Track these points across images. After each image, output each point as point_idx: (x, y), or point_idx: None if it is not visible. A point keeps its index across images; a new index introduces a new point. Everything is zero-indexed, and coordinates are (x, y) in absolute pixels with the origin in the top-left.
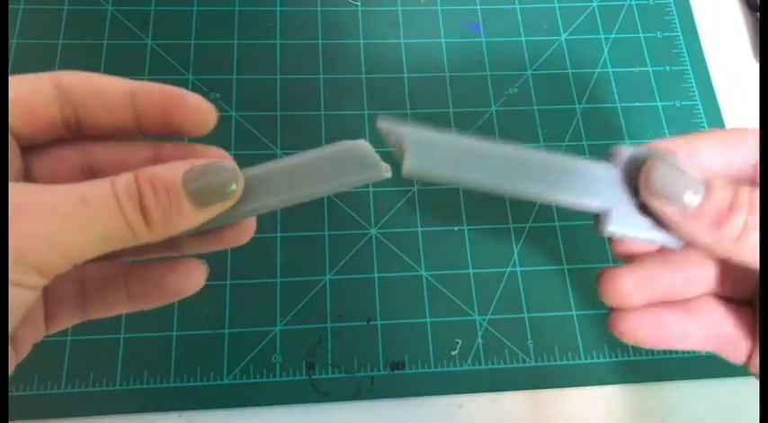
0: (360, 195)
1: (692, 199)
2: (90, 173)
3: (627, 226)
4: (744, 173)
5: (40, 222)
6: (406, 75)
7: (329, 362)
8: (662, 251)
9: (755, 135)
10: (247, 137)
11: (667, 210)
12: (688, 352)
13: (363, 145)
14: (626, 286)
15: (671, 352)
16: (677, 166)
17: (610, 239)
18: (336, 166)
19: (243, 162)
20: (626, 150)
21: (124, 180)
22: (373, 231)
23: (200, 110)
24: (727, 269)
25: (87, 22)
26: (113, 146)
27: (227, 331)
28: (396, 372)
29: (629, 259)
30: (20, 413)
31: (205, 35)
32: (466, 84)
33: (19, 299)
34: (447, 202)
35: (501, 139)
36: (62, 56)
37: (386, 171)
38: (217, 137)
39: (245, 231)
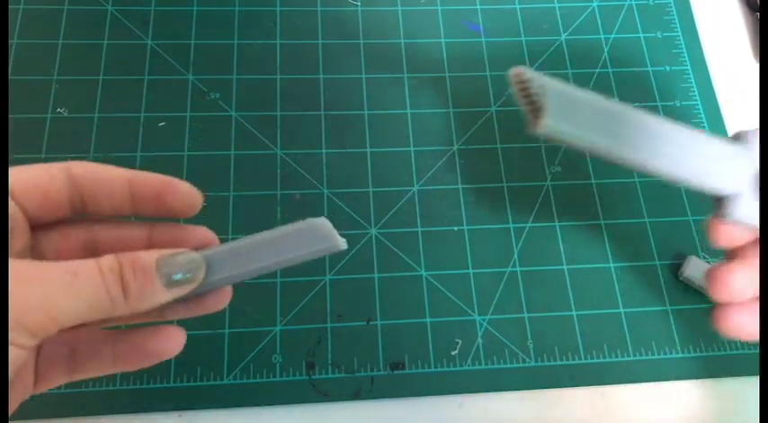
0: (360, 195)
1: None
2: (92, 248)
3: (752, 212)
4: None
5: (36, 290)
6: (406, 75)
7: (329, 362)
8: (755, 243)
9: None
10: (247, 137)
11: None
12: (688, 352)
13: (324, 221)
14: (738, 283)
15: (671, 352)
16: None
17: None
18: (300, 239)
19: (243, 162)
20: (753, 132)
21: (108, 261)
22: (373, 231)
23: (189, 196)
24: None
25: (87, 22)
26: (113, 225)
27: (227, 331)
28: (396, 372)
29: (727, 251)
30: (19, 413)
31: (205, 35)
32: (466, 84)
33: (13, 356)
34: (447, 202)
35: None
36: (62, 56)
37: (342, 244)
38: (217, 137)
39: (222, 299)
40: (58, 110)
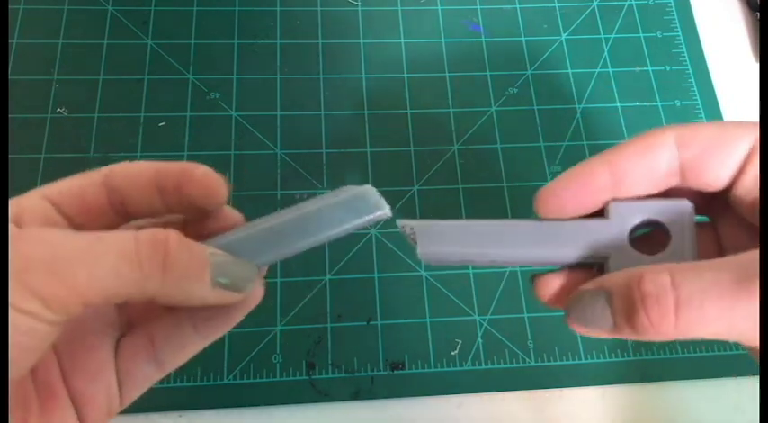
0: None
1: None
2: None
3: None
4: (670, 181)
5: (44, 249)
6: (406, 75)
7: (329, 362)
8: None
9: (677, 129)
10: (247, 137)
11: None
12: (688, 352)
13: (370, 189)
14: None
15: (671, 352)
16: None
17: None
18: (346, 210)
19: (243, 162)
20: (614, 203)
21: (152, 229)
22: (373, 231)
23: (207, 180)
24: None
25: (87, 22)
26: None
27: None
28: (396, 372)
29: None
30: None
31: (205, 35)
32: (466, 84)
33: (26, 327)
34: (447, 202)
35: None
36: (62, 56)
37: (389, 211)
38: (217, 137)
39: (254, 298)
40: (58, 110)
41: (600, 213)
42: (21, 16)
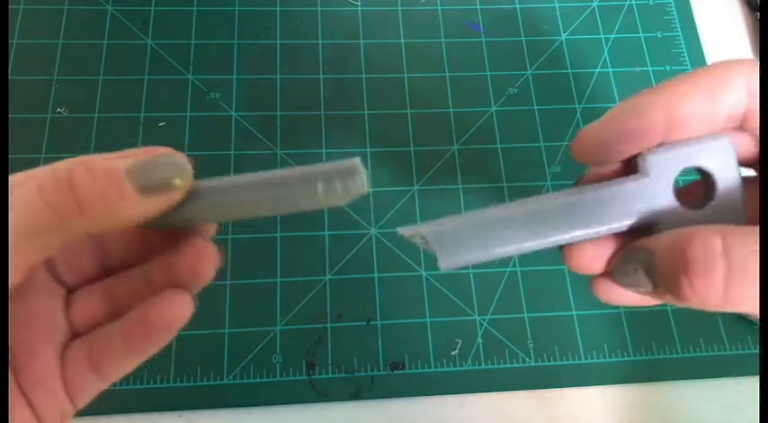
0: None
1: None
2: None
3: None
4: (725, 127)
5: None
6: (406, 75)
7: (329, 362)
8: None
9: (748, 71)
10: (247, 137)
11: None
12: (688, 352)
13: (356, 162)
14: (588, 255)
15: (671, 352)
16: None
17: None
18: (320, 178)
19: (243, 162)
20: (650, 157)
21: (54, 169)
22: (373, 231)
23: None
24: None
25: (87, 22)
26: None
27: (227, 331)
28: (396, 372)
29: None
30: None
31: (205, 35)
32: (466, 84)
33: None
34: (447, 202)
35: (513, 200)
36: (62, 56)
37: (366, 184)
38: (217, 137)
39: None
40: (58, 110)
41: (627, 164)
42: (21, 16)
